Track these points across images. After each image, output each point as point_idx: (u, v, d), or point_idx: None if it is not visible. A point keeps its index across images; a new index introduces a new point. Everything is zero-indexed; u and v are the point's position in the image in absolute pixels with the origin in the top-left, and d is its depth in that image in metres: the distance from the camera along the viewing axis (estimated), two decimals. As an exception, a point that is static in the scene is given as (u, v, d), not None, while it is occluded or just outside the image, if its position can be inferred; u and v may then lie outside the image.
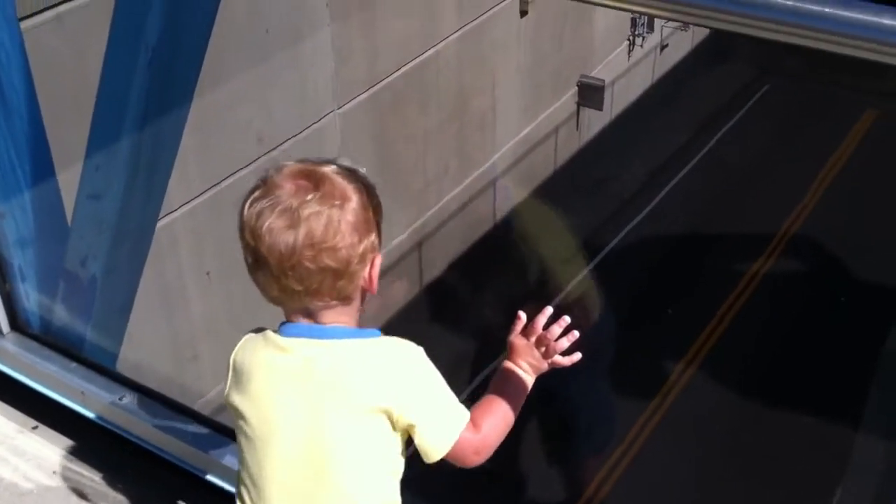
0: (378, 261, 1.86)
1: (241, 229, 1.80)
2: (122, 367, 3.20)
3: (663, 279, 12.42)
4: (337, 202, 1.77)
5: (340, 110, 10.80)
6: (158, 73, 2.62)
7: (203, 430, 2.80)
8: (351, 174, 1.83)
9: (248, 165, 9.09)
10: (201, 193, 8.92)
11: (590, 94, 14.41)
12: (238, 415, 1.89)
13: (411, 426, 1.81)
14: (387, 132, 11.43)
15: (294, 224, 1.74)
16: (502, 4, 12.64)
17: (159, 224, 6.86)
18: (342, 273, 1.78)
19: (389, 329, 1.92)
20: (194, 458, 2.79)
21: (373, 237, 1.82)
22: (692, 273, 12.44)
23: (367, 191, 1.84)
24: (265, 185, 1.79)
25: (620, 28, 15.30)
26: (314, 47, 10.10)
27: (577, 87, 14.46)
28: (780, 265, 12.79)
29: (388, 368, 1.82)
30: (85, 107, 3.10)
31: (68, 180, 3.29)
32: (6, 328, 3.15)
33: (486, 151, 13.19)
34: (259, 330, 1.93)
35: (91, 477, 2.96)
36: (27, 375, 3.06)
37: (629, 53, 15.65)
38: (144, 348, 7.60)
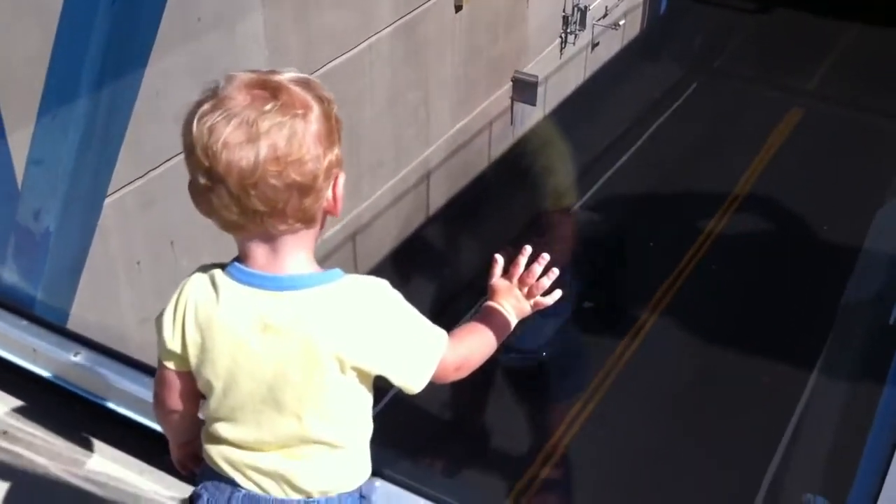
0: (342, 178, 1.71)
1: (190, 148, 1.62)
2: (74, 325, 3.12)
3: (618, 249, 12.69)
4: (299, 111, 1.61)
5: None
6: (121, 19, 2.55)
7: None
8: (307, 84, 1.67)
9: (177, 155, 8.93)
10: (130, 182, 8.75)
11: (523, 89, 14.48)
12: (200, 363, 1.76)
13: (384, 377, 1.75)
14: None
15: (254, 137, 1.57)
16: (436, -1, 12.66)
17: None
18: (309, 189, 1.63)
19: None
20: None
21: (336, 150, 1.67)
22: (644, 243, 12.65)
23: (327, 101, 1.68)
24: (215, 98, 1.61)
25: (553, 25, 15.41)
26: (246, 36, 9.99)
27: (511, 83, 14.52)
28: (732, 226, 13.18)
29: (352, 322, 1.69)
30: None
31: (19, 142, 3.21)
32: (-49, 287, 3.05)
33: (421, 144, 13.19)
34: (206, 269, 1.76)
35: (44, 437, 2.88)
36: (-26, 334, 2.96)
37: (561, 50, 15.76)
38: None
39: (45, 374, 2.91)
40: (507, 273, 2.01)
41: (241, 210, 1.63)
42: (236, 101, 1.60)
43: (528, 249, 2.00)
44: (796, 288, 11.56)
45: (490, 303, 1.99)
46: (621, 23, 16.69)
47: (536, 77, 14.44)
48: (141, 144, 8.46)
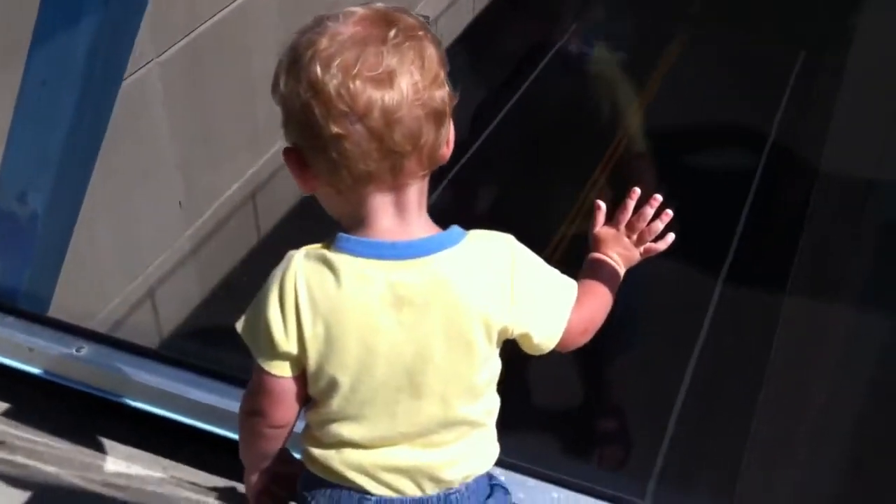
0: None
1: (315, 93, 1.40)
2: (58, 313, 2.80)
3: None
4: (420, 33, 1.45)
5: (160, 59, 10.24)
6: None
7: (186, 374, 2.48)
8: (405, 10, 1.50)
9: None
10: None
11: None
12: (323, 359, 1.52)
13: (525, 335, 1.58)
14: (211, 81, 10.91)
15: (391, 67, 1.40)
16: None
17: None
18: (443, 118, 1.46)
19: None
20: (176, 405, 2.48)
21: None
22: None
23: (428, 24, 1.52)
24: (328, 37, 1.42)
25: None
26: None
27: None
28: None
29: (492, 281, 1.53)
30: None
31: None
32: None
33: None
34: (306, 252, 1.52)
35: (47, 442, 2.60)
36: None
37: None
38: None
39: (41, 372, 2.62)
40: (616, 218, 1.84)
41: (383, 153, 1.43)
42: (353, 32, 1.42)
43: (636, 191, 1.82)
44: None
45: (596, 255, 1.82)
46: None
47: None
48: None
